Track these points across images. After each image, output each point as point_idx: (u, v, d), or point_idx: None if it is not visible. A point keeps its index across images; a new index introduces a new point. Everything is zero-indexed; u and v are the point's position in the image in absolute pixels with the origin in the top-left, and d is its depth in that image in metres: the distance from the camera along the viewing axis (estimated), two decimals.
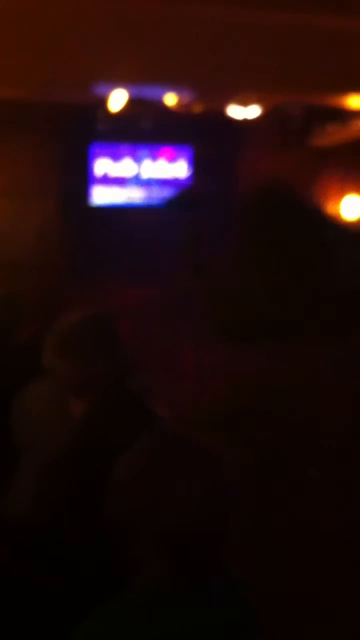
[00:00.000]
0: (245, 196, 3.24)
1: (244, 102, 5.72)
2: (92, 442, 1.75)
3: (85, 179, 7.03)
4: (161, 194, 7.17)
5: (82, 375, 1.87)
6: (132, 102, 5.51)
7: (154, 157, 7.14)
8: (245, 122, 5.98)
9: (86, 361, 1.86)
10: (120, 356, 1.93)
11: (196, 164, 7.17)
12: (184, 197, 6.97)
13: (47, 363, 1.90)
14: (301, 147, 7.03)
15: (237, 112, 5.82)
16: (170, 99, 5.44)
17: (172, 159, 7.17)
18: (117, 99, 5.41)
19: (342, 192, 7.39)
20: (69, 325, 1.91)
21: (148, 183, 7.15)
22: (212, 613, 1.23)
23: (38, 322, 2.41)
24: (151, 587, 1.24)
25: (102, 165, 7.05)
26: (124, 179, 7.11)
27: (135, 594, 1.24)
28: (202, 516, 1.21)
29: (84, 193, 7.04)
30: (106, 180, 7.08)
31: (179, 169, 7.18)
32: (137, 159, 7.11)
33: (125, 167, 7.10)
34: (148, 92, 5.41)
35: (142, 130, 6.07)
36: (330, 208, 7.42)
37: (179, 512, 1.20)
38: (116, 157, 7.06)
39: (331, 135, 6.45)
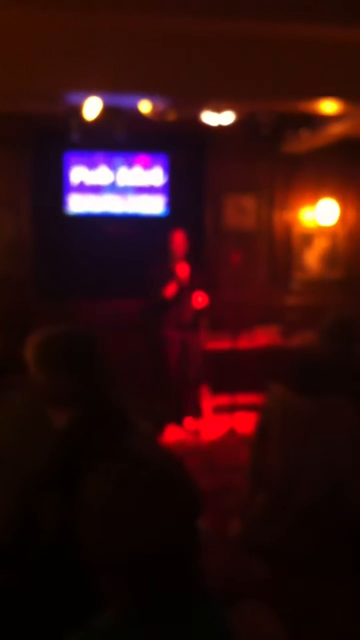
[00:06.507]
0: None
1: (218, 109, 5.74)
2: (74, 453, 1.75)
3: (60, 188, 7.02)
4: (138, 202, 7.19)
5: (62, 388, 1.89)
6: (106, 111, 5.51)
7: (130, 165, 7.14)
8: (219, 130, 6.00)
9: (65, 374, 1.88)
10: (102, 369, 1.94)
11: (171, 172, 7.19)
12: None
13: (31, 374, 1.92)
14: (273, 154, 7.07)
15: (211, 118, 5.84)
16: (145, 107, 5.44)
17: (147, 167, 7.17)
18: (92, 108, 5.40)
19: (316, 198, 7.43)
20: (49, 339, 1.93)
21: (124, 191, 7.15)
22: None
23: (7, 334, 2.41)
24: (114, 619, 1.21)
25: (78, 174, 7.04)
26: (100, 187, 7.10)
27: (99, 625, 1.22)
28: (170, 545, 1.19)
29: (60, 201, 7.03)
30: (82, 188, 7.07)
31: (155, 176, 7.18)
32: (113, 167, 7.11)
33: (101, 175, 7.09)
34: (122, 100, 5.41)
35: (116, 139, 6.06)
36: (305, 214, 7.47)
37: (145, 540, 1.18)
38: (92, 165, 7.06)
39: (304, 141, 6.48)
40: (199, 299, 6.14)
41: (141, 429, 1.95)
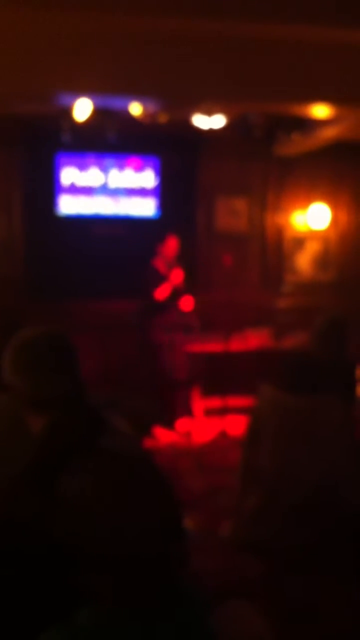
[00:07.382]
0: None
1: (209, 112, 5.74)
2: (51, 458, 1.74)
3: (52, 189, 7.01)
4: (129, 204, 7.18)
5: (39, 392, 1.87)
6: (97, 112, 5.50)
7: (121, 167, 7.13)
8: (210, 132, 6.00)
9: (43, 378, 1.86)
10: (78, 372, 1.92)
11: (162, 174, 7.19)
12: None
13: (6, 379, 1.90)
14: (266, 157, 7.09)
15: (202, 121, 5.83)
16: (135, 109, 5.44)
17: (139, 169, 7.17)
18: (82, 109, 5.39)
19: (308, 201, 7.45)
20: (25, 342, 1.90)
21: (116, 192, 7.14)
22: None
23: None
24: (96, 616, 1.21)
25: (69, 175, 7.03)
26: (92, 189, 7.09)
27: (81, 622, 1.21)
28: (148, 542, 1.19)
29: (51, 203, 7.02)
30: (73, 189, 7.06)
31: (146, 178, 7.18)
32: (104, 169, 7.10)
33: (93, 176, 7.08)
34: (113, 102, 5.40)
35: (108, 140, 6.06)
36: (297, 217, 7.48)
37: (124, 538, 1.18)
38: (83, 166, 7.05)
39: (296, 144, 6.50)
40: (186, 302, 6.18)
41: (121, 430, 1.94)
